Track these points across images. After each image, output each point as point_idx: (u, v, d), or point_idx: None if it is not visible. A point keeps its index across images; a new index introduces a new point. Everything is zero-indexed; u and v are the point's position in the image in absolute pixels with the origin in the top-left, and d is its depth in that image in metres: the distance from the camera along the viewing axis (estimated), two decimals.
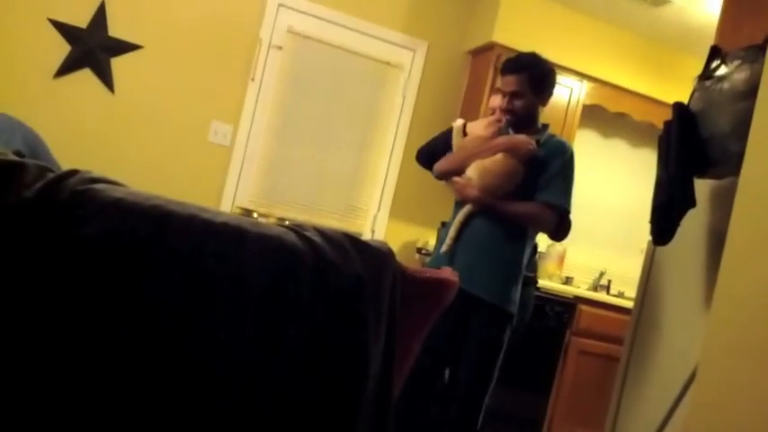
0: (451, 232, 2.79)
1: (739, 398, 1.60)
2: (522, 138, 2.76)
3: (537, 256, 3.78)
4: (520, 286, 2.82)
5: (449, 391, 2.85)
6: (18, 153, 2.61)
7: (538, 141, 2.81)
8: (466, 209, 2.81)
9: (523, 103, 2.83)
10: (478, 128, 2.87)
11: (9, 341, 1.29)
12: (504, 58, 4.36)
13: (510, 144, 2.75)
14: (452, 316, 2.44)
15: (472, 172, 2.78)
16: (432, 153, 3.05)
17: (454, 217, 2.85)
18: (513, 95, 2.84)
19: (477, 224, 2.79)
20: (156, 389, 1.34)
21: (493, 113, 2.92)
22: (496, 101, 2.96)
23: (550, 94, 2.92)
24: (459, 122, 2.97)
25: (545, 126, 2.92)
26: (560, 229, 2.83)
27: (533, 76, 2.84)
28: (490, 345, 2.77)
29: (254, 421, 1.39)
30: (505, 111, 2.84)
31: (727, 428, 1.62)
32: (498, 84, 3.05)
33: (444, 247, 2.78)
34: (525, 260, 2.86)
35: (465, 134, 2.91)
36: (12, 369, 1.29)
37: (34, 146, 2.87)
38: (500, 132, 2.80)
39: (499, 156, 2.74)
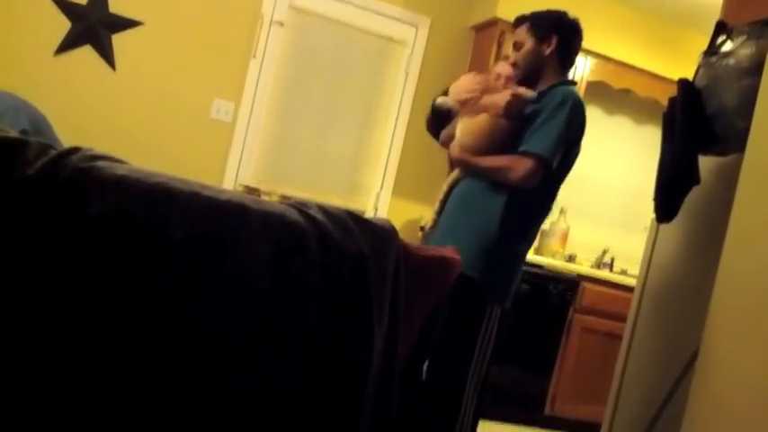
0: (436, 205, 2.63)
1: (741, 376, 1.60)
2: (501, 94, 2.53)
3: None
4: (510, 259, 2.52)
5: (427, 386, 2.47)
6: (24, 132, 2.61)
7: (541, 94, 2.56)
8: (450, 176, 2.65)
9: (524, 52, 2.63)
10: (463, 84, 2.70)
11: (8, 319, 1.29)
12: (507, 33, 4.36)
13: (489, 101, 2.53)
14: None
15: (457, 131, 2.63)
16: (438, 120, 2.83)
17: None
18: (515, 47, 2.67)
19: (460, 189, 2.60)
20: (162, 366, 1.34)
21: (497, 79, 2.67)
22: (499, 66, 2.73)
23: (561, 38, 2.61)
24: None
25: (564, 81, 2.63)
26: (533, 178, 2.42)
27: (535, 22, 2.63)
28: (462, 325, 2.46)
29: (260, 394, 1.39)
30: (512, 66, 2.66)
31: (729, 409, 1.63)
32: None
33: (430, 223, 2.61)
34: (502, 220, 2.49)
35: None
36: (10, 348, 1.29)
37: (38, 124, 2.86)
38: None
39: (483, 115, 2.54)
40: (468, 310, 2.46)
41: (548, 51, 2.62)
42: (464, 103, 2.64)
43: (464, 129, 2.60)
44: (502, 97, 2.52)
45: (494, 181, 2.49)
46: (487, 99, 2.57)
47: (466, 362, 2.47)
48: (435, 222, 2.64)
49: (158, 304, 1.33)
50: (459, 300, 2.30)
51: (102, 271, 1.31)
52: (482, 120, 2.55)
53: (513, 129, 2.49)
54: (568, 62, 2.68)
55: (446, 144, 2.77)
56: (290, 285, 1.39)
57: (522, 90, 2.55)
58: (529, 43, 2.62)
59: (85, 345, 1.31)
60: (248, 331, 1.37)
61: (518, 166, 2.41)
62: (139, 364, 1.33)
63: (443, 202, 2.65)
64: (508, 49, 4.29)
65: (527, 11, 2.70)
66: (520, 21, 2.70)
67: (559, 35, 2.62)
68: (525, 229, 2.58)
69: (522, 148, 2.42)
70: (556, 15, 2.65)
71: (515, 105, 2.48)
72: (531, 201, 2.52)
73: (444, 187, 2.67)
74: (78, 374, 1.31)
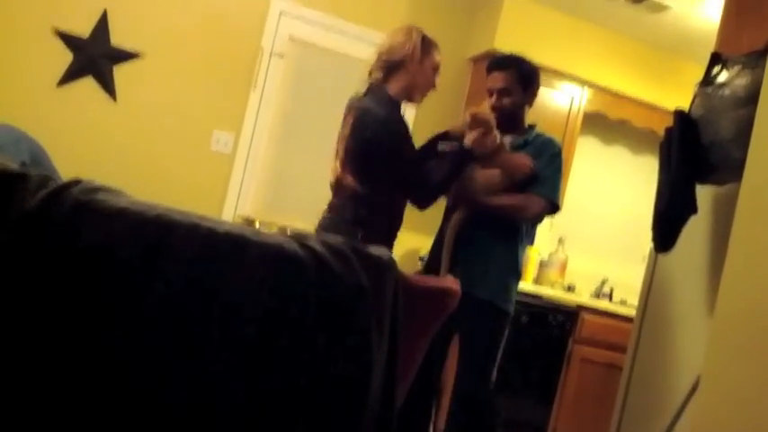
0: (447, 251, 2.74)
1: (743, 405, 1.59)
2: (520, 160, 2.72)
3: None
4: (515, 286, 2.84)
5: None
6: (23, 164, 2.63)
7: (526, 141, 2.81)
8: (455, 219, 2.76)
9: (512, 101, 2.81)
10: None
11: (10, 352, 1.28)
12: None
13: (509, 166, 2.72)
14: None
15: (467, 174, 2.74)
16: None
17: (441, 231, 2.84)
18: (501, 93, 2.81)
19: (476, 236, 2.77)
20: (157, 401, 1.34)
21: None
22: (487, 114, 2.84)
23: (535, 94, 2.89)
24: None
25: (531, 126, 2.90)
26: (542, 216, 2.81)
27: (521, 72, 2.82)
28: (487, 347, 2.76)
29: (257, 425, 1.38)
30: (494, 108, 2.80)
31: None
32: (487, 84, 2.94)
33: (443, 271, 2.72)
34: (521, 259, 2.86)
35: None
36: (11, 379, 1.29)
37: (37, 156, 2.88)
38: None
39: (496, 171, 2.72)
40: (495, 333, 2.76)
41: (529, 101, 2.88)
42: (483, 149, 2.70)
43: (479, 177, 2.73)
44: (520, 161, 2.72)
45: (505, 217, 2.75)
46: (506, 157, 2.73)
47: (489, 374, 2.76)
48: (449, 267, 2.72)
49: (157, 333, 1.33)
50: (488, 327, 2.73)
51: (101, 304, 1.31)
52: (495, 175, 2.72)
53: (511, 189, 2.73)
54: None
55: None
56: (288, 317, 1.39)
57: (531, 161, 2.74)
58: (517, 94, 2.82)
59: (84, 376, 1.31)
60: (244, 363, 1.37)
61: (532, 206, 2.72)
62: (133, 395, 1.33)
63: (453, 246, 2.74)
64: None
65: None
66: (500, 65, 2.85)
67: (536, 86, 2.88)
68: (524, 253, 2.93)
69: (534, 190, 2.71)
70: (532, 67, 2.87)
71: (527, 177, 2.70)
72: (531, 231, 2.92)
73: (452, 231, 2.76)
74: (74, 405, 1.30)
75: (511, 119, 2.83)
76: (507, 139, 2.81)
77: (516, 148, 2.80)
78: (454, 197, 2.81)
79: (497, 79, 2.82)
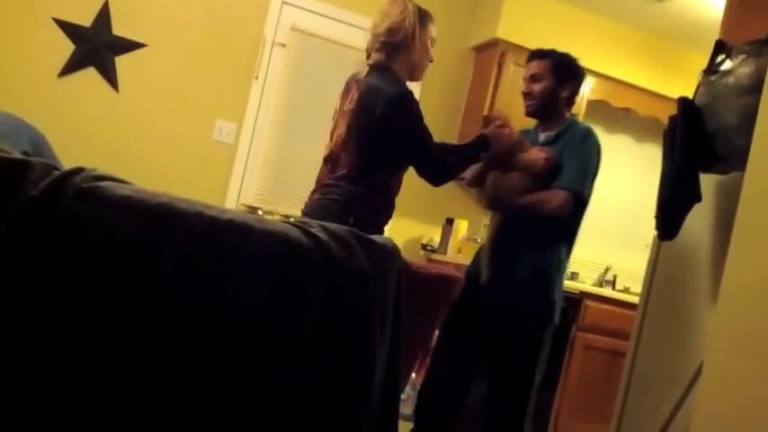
0: (486, 256, 2.73)
1: (746, 392, 1.60)
2: (535, 155, 2.68)
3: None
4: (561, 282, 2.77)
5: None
6: (25, 153, 2.63)
7: (558, 135, 2.75)
8: (492, 227, 2.78)
9: (543, 87, 2.74)
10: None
11: (11, 339, 1.29)
12: (508, 54, 4.40)
13: (524, 163, 2.68)
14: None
15: (490, 181, 2.76)
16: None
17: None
18: (532, 78, 2.77)
19: (512, 239, 2.73)
20: (159, 388, 1.34)
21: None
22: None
23: (575, 86, 2.81)
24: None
25: (575, 121, 2.84)
26: (566, 208, 2.65)
27: (555, 61, 2.76)
28: (526, 356, 2.70)
29: (258, 418, 1.39)
30: (524, 95, 2.78)
31: (734, 423, 1.62)
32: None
33: (484, 277, 2.69)
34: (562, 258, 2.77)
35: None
36: (11, 368, 1.29)
37: (39, 146, 2.87)
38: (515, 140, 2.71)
39: (516, 174, 2.69)
40: (533, 340, 2.71)
41: (564, 95, 2.78)
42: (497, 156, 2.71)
43: (501, 182, 2.73)
44: (535, 156, 2.67)
45: (531, 215, 2.68)
46: (521, 156, 2.70)
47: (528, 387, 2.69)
48: (491, 274, 2.70)
49: (160, 321, 1.34)
50: (527, 333, 2.68)
51: (104, 290, 1.32)
52: (516, 178, 2.70)
53: (543, 182, 2.67)
54: (572, 105, 2.86)
55: (472, 184, 2.89)
56: (292, 303, 1.39)
57: (553, 152, 2.69)
58: (548, 81, 2.75)
59: (86, 365, 1.31)
60: (248, 347, 1.37)
61: (553, 199, 2.61)
62: (139, 382, 1.33)
63: (493, 251, 2.73)
64: (509, 69, 4.35)
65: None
66: (538, 55, 2.81)
67: (575, 83, 2.81)
68: (568, 255, 2.82)
69: (557, 184, 2.63)
70: (574, 63, 2.82)
71: (550, 169, 2.65)
72: (571, 229, 2.79)
73: (490, 236, 2.78)
74: (77, 398, 1.31)
75: (543, 109, 2.78)
76: (541, 137, 2.81)
77: (548, 143, 2.77)
78: (489, 206, 2.81)
79: (531, 67, 2.79)
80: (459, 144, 2.68)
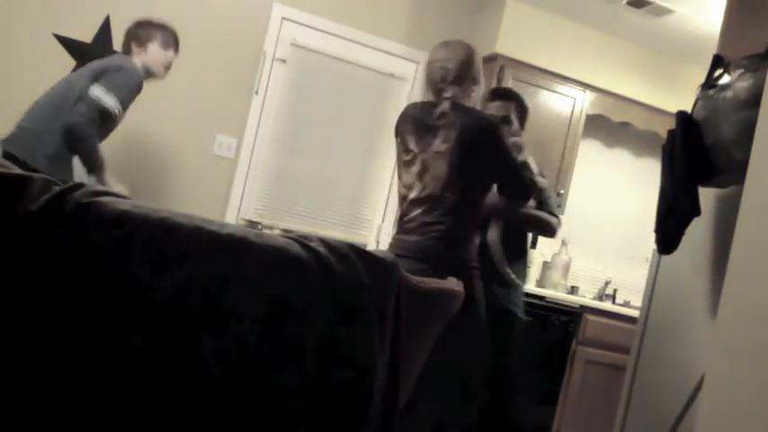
0: (504, 263, 2.95)
1: (747, 406, 1.59)
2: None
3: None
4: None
5: None
6: (47, 157, 2.79)
7: None
8: (496, 233, 2.95)
9: (516, 133, 3.02)
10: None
11: (11, 353, 1.29)
12: (507, 69, 4.42)
13: None
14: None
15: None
16: None
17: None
18: (502, 120, 3.00)
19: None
20: (159, 401, 1.34)
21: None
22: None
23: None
24: None
25: None
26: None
27: (523, 109, 3.12)
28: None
29: (259, 424, 1.39)
30: None
31: None
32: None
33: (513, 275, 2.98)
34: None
35: None
36: (13, 380, 1.29)
37: (60, 152, 3.15)
38: None
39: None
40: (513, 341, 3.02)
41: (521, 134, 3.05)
42: None
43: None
44: None
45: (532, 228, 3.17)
46: None
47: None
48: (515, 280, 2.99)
49: (161, 336, 1.34)
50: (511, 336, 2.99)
51: (104, 305, 1.32)
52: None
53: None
54: None
55: None
56: (290, 318, 1.39)
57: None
58: (516, 124, 3.04)
59: (84, 381, 1.31)
60: (246, 365, 1.37)
61: (556, 227, 3.04)
62: (138, 398, 1.33)
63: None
64: (508, 83, 4.37)
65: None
66: (504, 95, 3.10)
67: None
68: None
69: (554, 212, 3.03)
70: (526, 105, 3.12)
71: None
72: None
73: (498, 247, 2.93)
74: (79, 406, 1.31)
75: None
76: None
77: None
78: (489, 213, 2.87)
79: (498, 107, 3.08)
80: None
